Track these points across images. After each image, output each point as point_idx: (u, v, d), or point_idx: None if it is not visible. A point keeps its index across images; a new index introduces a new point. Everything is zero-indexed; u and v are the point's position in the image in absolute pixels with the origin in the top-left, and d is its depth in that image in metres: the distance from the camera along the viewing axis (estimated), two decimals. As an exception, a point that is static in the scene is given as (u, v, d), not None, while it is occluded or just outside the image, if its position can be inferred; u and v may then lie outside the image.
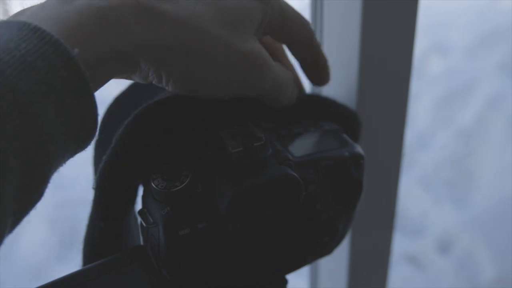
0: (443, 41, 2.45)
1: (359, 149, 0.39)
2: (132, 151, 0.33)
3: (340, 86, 0.49)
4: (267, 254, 0.38)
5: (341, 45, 0.48)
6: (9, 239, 0.25)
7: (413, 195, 1.70)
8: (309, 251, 0.40)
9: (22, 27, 0.25)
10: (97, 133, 0.28)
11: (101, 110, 0.41)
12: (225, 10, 0.31)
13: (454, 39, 2.45)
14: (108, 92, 0.41)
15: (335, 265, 0.62)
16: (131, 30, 0.28)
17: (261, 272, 0.38)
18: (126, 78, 0.32)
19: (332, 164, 0.37)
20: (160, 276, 0.34)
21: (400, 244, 1.53)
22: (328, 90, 0.50)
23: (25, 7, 0.29)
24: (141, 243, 0.36)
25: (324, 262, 0.66)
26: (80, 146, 0.28)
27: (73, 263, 0.36)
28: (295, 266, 0.40)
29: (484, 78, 2.21)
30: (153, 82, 0.31)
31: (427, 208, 1.66)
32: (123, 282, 0.33)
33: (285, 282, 0.40)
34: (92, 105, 0.27)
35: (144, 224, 0.33)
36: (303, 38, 0.37)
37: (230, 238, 0.34)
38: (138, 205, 0.36)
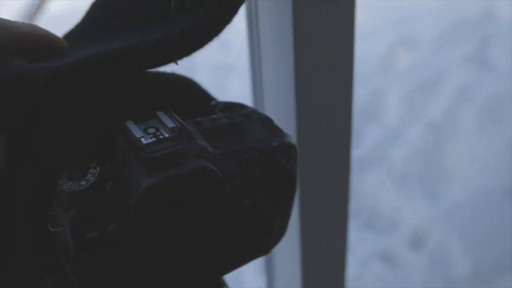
0: (410, 34, 2.45)
1: (289, 138, 0.36)
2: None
3: (278, 88, 0.47)
4: (194, 256, 0.35)
5: (275, 46, 0.46)
6: None
7: (384, 191, 1.68)
8: (244, 252, 0.38)
9: None
10: None
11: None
12: None
13: (421, 32, 2.45)
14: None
15: (289, 264, 0.61)
16: None
17: (191, 276, 0.35)
18: None
19: (258, 155, 0.35)
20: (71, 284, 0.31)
21: (372, 242, 1.51)
22: (267, 94, 0.48)
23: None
24: None
25: (279, 260, 0.64)
26: None
27: None
28: (229, 267, 0.37)
29: (452, 71, 2.21)
30: None
31: (399, 203, 1.64)
32: None
33: (220, 284, 0.37)
34: None
35: (51, 229, 0.30)
36: None
37: (146, 240, 0.31)
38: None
